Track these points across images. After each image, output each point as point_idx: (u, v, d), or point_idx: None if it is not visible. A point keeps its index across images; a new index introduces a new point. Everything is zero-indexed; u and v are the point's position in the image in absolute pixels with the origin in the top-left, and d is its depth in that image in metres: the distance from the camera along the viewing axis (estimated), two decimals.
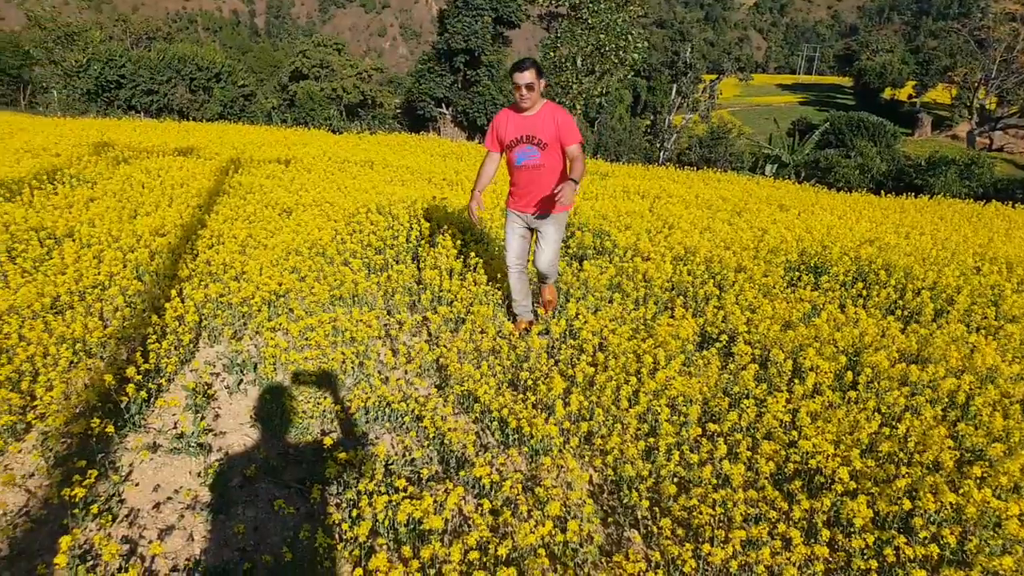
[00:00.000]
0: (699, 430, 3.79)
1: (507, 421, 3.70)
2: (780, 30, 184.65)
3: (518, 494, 3.12)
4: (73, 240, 6.67)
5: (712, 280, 6.36)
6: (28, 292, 5.19)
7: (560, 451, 3.51)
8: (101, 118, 29.46)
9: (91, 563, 2.81)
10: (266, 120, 39.56)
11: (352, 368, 4.41)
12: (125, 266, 5.97)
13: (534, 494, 3.14)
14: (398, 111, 45.04)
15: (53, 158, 11.62)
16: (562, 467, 3.43)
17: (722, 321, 5.45)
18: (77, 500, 3.07)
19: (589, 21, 30.48)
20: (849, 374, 4.38)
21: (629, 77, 35.87)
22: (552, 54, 31.76)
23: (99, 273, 5.71)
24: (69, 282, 5.47)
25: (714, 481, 3.35)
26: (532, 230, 5.00)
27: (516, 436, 3.68)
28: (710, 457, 3.59)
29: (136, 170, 10.73)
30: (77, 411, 3.83)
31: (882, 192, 16.18)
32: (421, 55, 44.49)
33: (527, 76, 4.49)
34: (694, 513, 3.05)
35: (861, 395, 4.18)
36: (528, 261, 5.21)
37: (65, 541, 2.65)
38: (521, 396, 4.02)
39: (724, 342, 5.07)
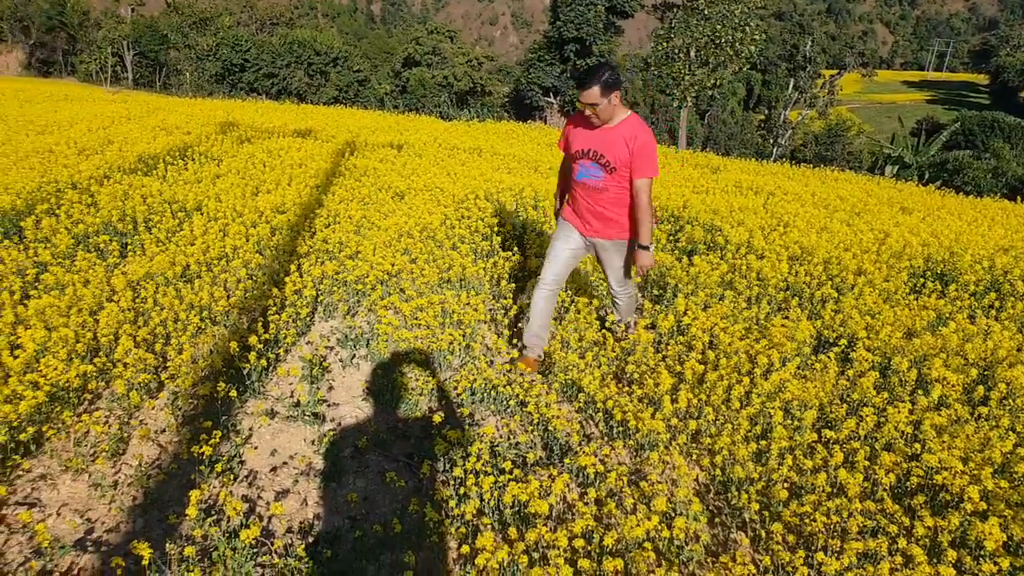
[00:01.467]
0: (814, 436, 3.64)
1: (612, 413, 3.66)
2: (909, 24, 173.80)
3: (623, 487, 3.09)
4: (201, 213, 7.08)
5: (830, 282, 6.09)
6: (162, 260, 5.56)
7: (667, 447, 3.44)
8: (226, 99, 31.16)
9: (215, 517, 2.97)
10: (378, 105, 40.76)
11: (459, 350, 4.49)
12: (248, 240, 6.28)
13: (639, 488, 3.10)
14: (506, 99, 45.37)
15: (184, 136, 12.37)
16: (668, 463, 3.37)
17: (840, 325, 5.21)
18: (204, 458, 3.27)
19: (705, 11, 29.66)
20: (980, 389, 4.10)
21: (744, 70, 34.72)
22: (664, 44, 31.12)
23: (224, 246, 6.04)
24: (197, 253, 5.81)
25: (828, 489, 3.21)
26: (587, 250, 4.35)
27: (621, 429, 3.64)
28: (825, 464, 3.44)
29: (258, 149, 11.27)
30: (203, 374, 4.07)
31: (1018, 198, 14.96)
32: (532, 44, 44.58)
33: (590, 96, 3.67)
34: (807, 520, 2.94)
35: (993, 411, 3.89)
36: (563, 287, 4.73)
37: (195, 495, 2.82)
38: (627, 389, 3.98)
39: (843, 347, 4.84)
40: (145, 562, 2.47)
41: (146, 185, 7.88)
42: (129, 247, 6.17)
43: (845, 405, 3.99)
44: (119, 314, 4.50)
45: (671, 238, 7.00)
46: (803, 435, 3.64)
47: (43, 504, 3.08)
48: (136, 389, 3.83)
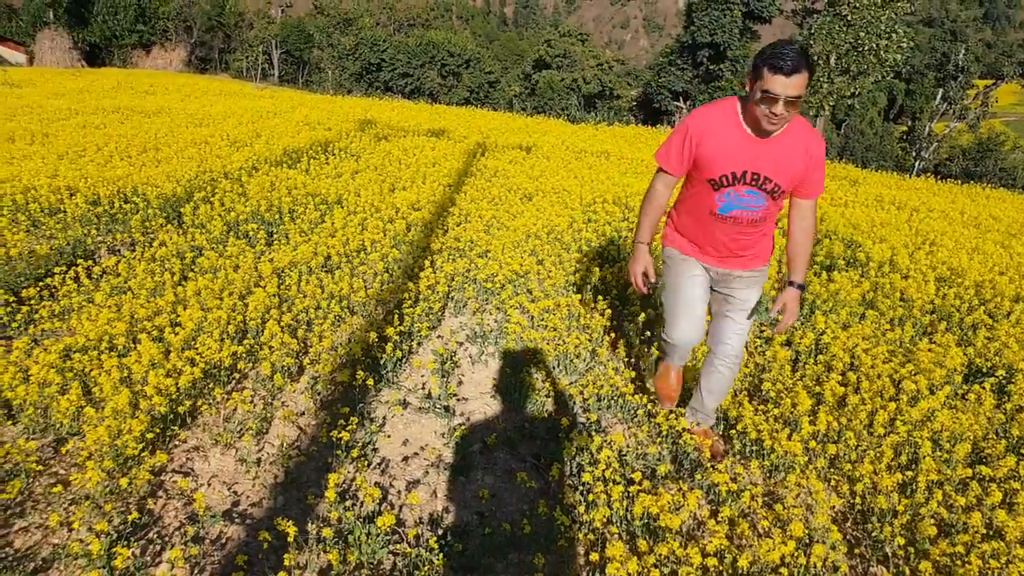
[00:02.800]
0: (967, 471, 3.36)
1: (745, 431, 3.53)
2: None
3: (757, 508, 2.97)
4: (342, 207, 7.41)
5: (983, 307, 5.62)
6: (306, 250, 5.86)
7: (804, 471, 3.27)
8: (364, 97, 32.55)
9: (349, 502, 3.09)
10: (507, 107, 41.35)
11: (585, 354, 4.46)
12: (385, 235, 6.51)
13: (773, 511, 2.96)
14: (634, 103, 44.91)
15: (326, 132, 13.01)
16: (805, 488, 3.20)
17: (995, 355, 4.79)
18: (341, 443, 3.41)
19: (849, 17, 28.10)
20: None
21: (886, 79, 32.61)
22: None
23: (363, 239, 6.29)
24: (338, 245, 6.08)
25: (984, 530, 2.95)
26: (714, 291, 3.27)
27: (755, 448, 3.50)
28: (979, 503, 3.17)
29: (394, 147, 11.68)
30: (342, 362, 4.25)
31: None
32: (663, 48, 43.87)
33: (797, 85, 2.53)
34: (958, 562, 2.71)
35: None
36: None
37: (333, 478, 2.94)
38: (762, 407, 3.82)
39: (999, 378, 4.45)
40: (290, 539, 2.60)
41: (291, 178, 8.34)
42: (275, 236, 6.54)
43: (1004, 441, 3.66)
44: (266, 299, 4.78)
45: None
46: (955, 469, 3.37)
47: (195, 474, 3.31)
48: (280, 372, 4.06)
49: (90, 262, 5.39)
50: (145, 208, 6.71)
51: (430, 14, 73.50)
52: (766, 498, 3.20)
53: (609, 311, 4.86)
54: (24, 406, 3.36)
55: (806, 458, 3.37)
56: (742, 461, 3.51)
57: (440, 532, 2.95)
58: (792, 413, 3.65)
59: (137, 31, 46.79)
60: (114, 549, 2.56)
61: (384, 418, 3.86)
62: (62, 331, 4.32)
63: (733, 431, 3.65)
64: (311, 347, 4.42)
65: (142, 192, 7.09)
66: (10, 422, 3.43)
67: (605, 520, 2.82)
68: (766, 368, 4.29)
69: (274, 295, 4.97)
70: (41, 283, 4.89)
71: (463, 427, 3.75)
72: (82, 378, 3.66)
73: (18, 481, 2.84)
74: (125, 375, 3.68)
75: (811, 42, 29.31)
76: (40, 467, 3.08)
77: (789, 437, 3.40)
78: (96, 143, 9.77)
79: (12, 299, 4.60)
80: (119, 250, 6.04)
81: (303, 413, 3.85)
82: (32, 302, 4.55)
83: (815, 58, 29.34)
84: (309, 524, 2.86)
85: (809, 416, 3.62)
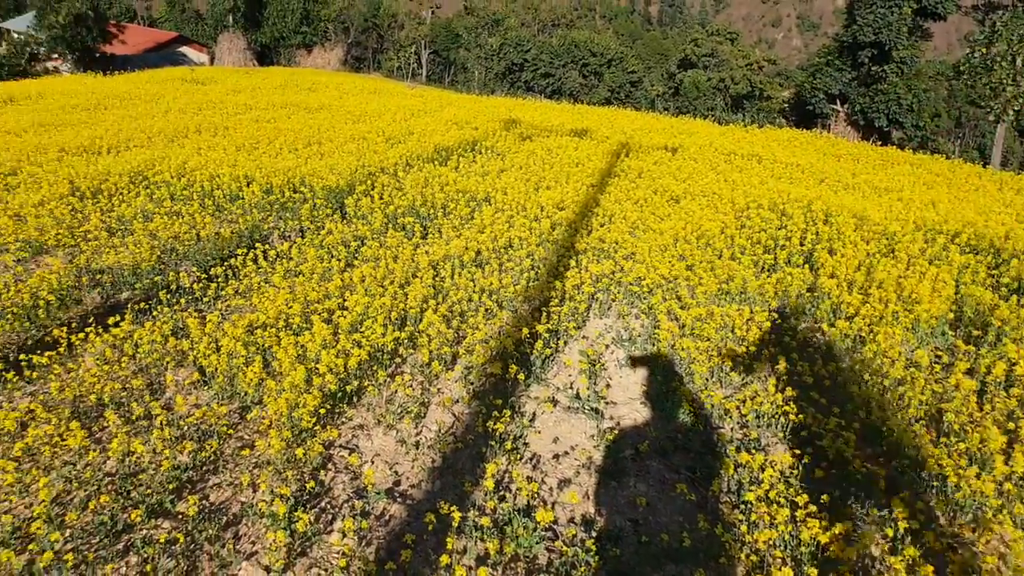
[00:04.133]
0: None
1: (921, 462, 3.28)
2: None
3: (942, 550, 2.74)
4: (489, 204, 7.56)
5: None
6: (458, 245, 6.03)
7: (996, 515, 3.00)
8: (507, 96, 33.15)
9: (502, 493, 3.15)
10: (649, 107, 40.75)
11: (742, 368, 4.30)
12: (531, 232, 6.59)
13: (958, 554, 2.73)
14: (785, 105, 42.95)
15: (472, 131, 13.32)
16: (997, 534, 2.93)
17: None
18: (496, 434, 3.48)
19: None
20: None
21: None
22: (983, 51, 27.31)
23: (510, 236, 6.39)
24: (487, 240, 6.21)
25: None
26: None
27: (938, 483, 3.23)
28: None
29: (538, 147, 11.78)
30: (493, 354, 4.34)
31: None
32: (820, 48, 41.62)
33: None
34: None
35: None
36: None
37: (491, 468, 3.01)
38: (943, 440, 3.53)
39: None
40: (455, 524, 2.68)
41: (442, 174, 8.61)
42: (429, 229, 6.77)
43: None
44: (424, 289, 4.96)
45: (991, 272, 6.11)
46: None
47: (360, 451, 3.48)
48: (436, 359, 4.20)
49: (265, 246, 5.81)
50: (312, 198, 7.14)
51: (573, 14, 73.71)
52: (951, 541, 2.95)
53: (768, 324, 4.67)
54: (216, 374, 3.67)
55: (999, 501, 3.08)
56: (919, 496, 3.26)
57: (593, 534, 2.94)
58: (980, 449, 3.35)
59: (301, 32, 50.08)
60: (295, 513, 2.75)
61: (534, 414, 3.90)
62: (245, 308, 4.68)
63: (905, 461, 3.40)
64: (464, 338, 4.54)
65: (309, 183, 7.56)
66: (205, 387, 3.76)
67: (770, 543, 2.71)
68: (946, 397, 3.97)
69: (430, 286, 5.15)
70: (225, 263, 5.32)
71: (613, 431, 3.72)
72: (263, 352, 3.95)
73: (213, 441, 3.10)
74: (300, 352, 3.94)
75: (993, 40, 26.87)
76: (230, 431, 3.35)
77: (978, 476, 3.13)
78: (268, 136, 10.51)
79: (203, 275, 5.04)
80: (290, 236, 6.47)
81: (457, 401, 3.96)
82: (219, 280, 4.96)
83: (996, 58, 26.90)
84: (469, 511, 2.93)
85: (1003, 455, 3.31)
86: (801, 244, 6.52)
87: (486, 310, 4.97)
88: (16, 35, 32.59)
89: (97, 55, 32.57)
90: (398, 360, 4.33)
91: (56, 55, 32.40)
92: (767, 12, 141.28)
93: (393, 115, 15.08)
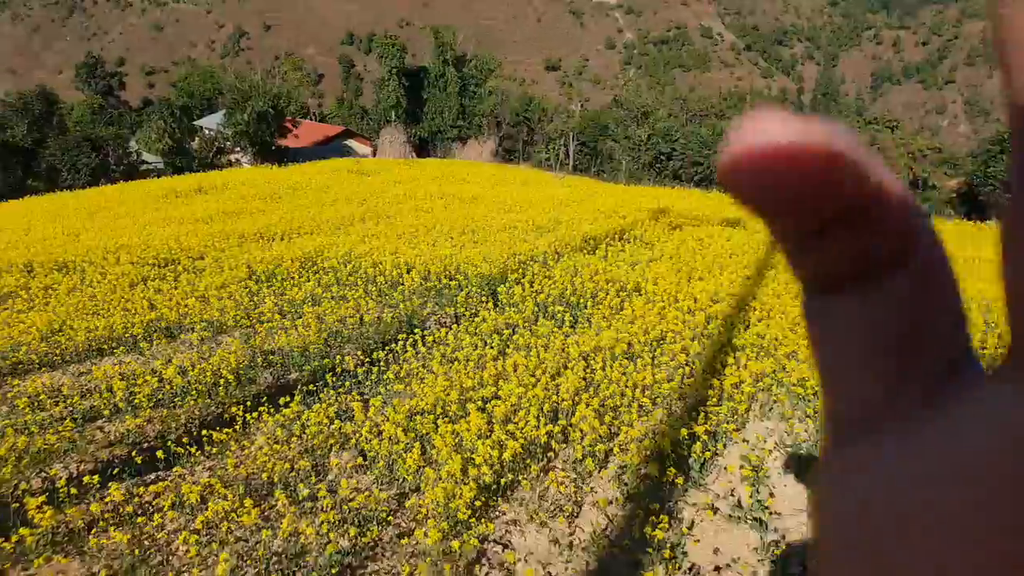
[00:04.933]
0: None
1: None
2: None
3: None
4: (640, 294, 7.50)
5: None
6: (608, 336, 5.99)
7: None
8: (655, 186, 33.35)
9: None
10: None
11: None
12: (684, 325, 6.43)
13: None
14: (953, 195, 40.30)
15: (620, 220, 13.43)
16: None
17: None
18: (654, 540, 3.32)
19: None
20: None
21: None
22: None
23: (663, 328, 6.27)
24: (638, 332, 6.13)
25: None
26: None
27: None
28: None
29: (688, 236, 11.66)
30: (647, 454, 4.20)
31: None
32: (993, 134, 39.02)
33: None
34: None
35: None
36: None
37: None
38: None
39: None
40: None
41: (591, 264, 8.68)
42: (579, 319, 6.79)
43: None
44: (576, 381, 4.93)
45: None
46: None
47: (513, 547, 3.43)
48: (590, 456, 4.12)
49: (424, 331, 6.05)
50: (467, 285, 7.41)
51: (723, 103, 73.80)
52: None
53: None
54: (377, 458, 3.79)
55: None
56: None
57: None
58: None
59: (457, 126, 53.58)
60: None
61: (692, 521, 3.70)
62: (405, 393, 4.85)
63: None
64: (618, 434, 4.44)
65: (464, 270, 7.86)
66: (366, 471, 3.89)
67: None
68: None
69: (582, 378, 5.12)
70: (387, 347, 5.58)
71: (779, 544, 3.45)
72: (421, 439, 4.05)
73: (374, 527, 3.18)
74: (456, 441, 4.00)
75: None
76: (389, 517, 3.42)
77: None
78: (426, 225, 11.12)
79: (366, 359, 5.31)
80: (446, 322, 6.71)
81: (611, 502, 3.84)
82: (381, 364, 5.19)
83: None
84: None
85: None
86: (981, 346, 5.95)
87: (639, 406, 4.85)
88: (208, 131, 37.03)
89: (273, 148, 36.20)
90: (550, 455, 4.28)
91: (239, 148, 36.37)
92: (930, 98, 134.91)
93: (542, 205, 15.53)
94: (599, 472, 4.10)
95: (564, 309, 6.91)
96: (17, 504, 3.40)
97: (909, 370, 0.19)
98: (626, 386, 5.06)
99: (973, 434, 0.16)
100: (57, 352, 5.56)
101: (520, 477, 3.93)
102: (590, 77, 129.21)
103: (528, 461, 4.08)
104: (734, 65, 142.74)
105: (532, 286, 7.51)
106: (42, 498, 3.33)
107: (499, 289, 7.37)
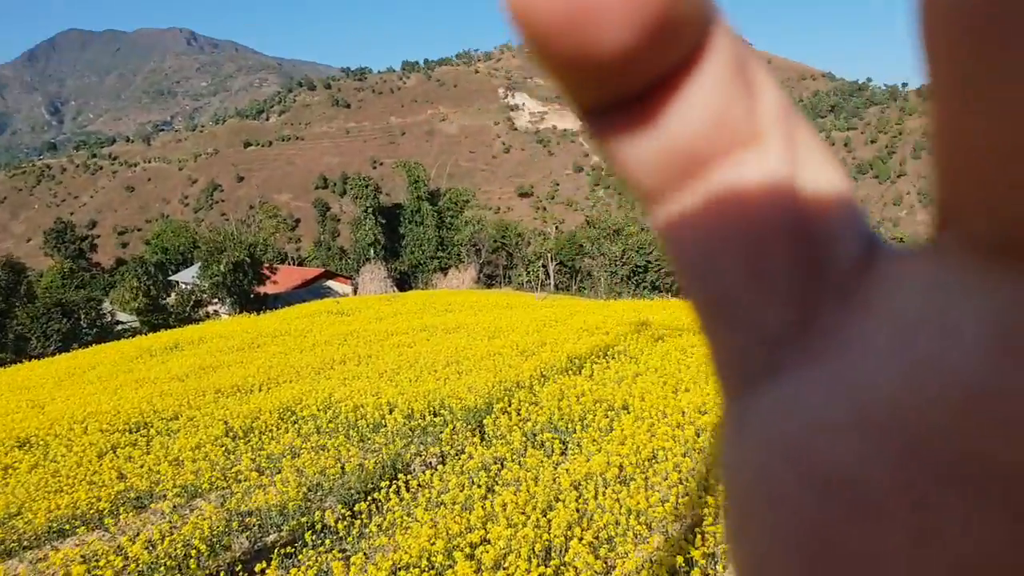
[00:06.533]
0: None
1: None
2: None
3: None
4: (628, 412, 7.37)
5: None
6: (599, 461, 5.81)
7: None
8: (634, 299, 33.76)
9: None
10: None
11: None
12: (675, 441, 6.28)
13: None
14: None
15: (603, 336, 13.43)
16: None
17: None
18: None
19: None
20: None
21: None
22: None
23: (653, 446, 6.10)
24: (629, 454, 5.95)
25: None
26: None
27: None
28: None
29: (671, 347, 11.64)
30: None
31: None
32: None
33: None
34: None
35: None
36: None
37: None
38: None
39: None
40: None
41: (577, 384, 8.58)
42: (568, 444, 6.61)
43: None
44: (567, 515, 4.72)
45: None
46: None
47: None
48: None
49: (408, 476, 5.84)
50: (452, 420, 7.24)
51: None
52: None
53: None
54: None
55: None
56: None
57: None
58: None
59: (437, 257, 54.71)
60: None
61: None
62: (388, 546, 4.60)
63: None
64: (614, 568, 4.20)
65: (448, 404, 7.72)
66: None
67: None
68: None
69: (574, 510, 4.90)
70: (369, 497, 5.36)
71: None
72: None
73: None
74: None
75: None
76: None
77: None
78: (408, 360, 11.04)
79: (347, 513, 5.07)
80: (431, 463, 6.50)
81: None
82: (363, 516, 4.96)
83: None
84: None
85: None
86: None
87: (635, 535, 4.63)
88: (184, 285, 37.33)
89: (252, 296, 36.42)
90: None
91: (216, 299, 36.54)
92: (886, 192, 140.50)
93: (526, 328, 15.56)
94: None
95: (553, 435, 6.74)
96: None
97: (802, 261, 0.14)
98: (620, 513, 4.85)
99: (888, 356, 0.12)
100: (14, 538, 5.25)
101: None
102: (563, 200, 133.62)
103: None
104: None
105: (519, 414, 7.36)
106: None
107: (485, 421, 7.21)
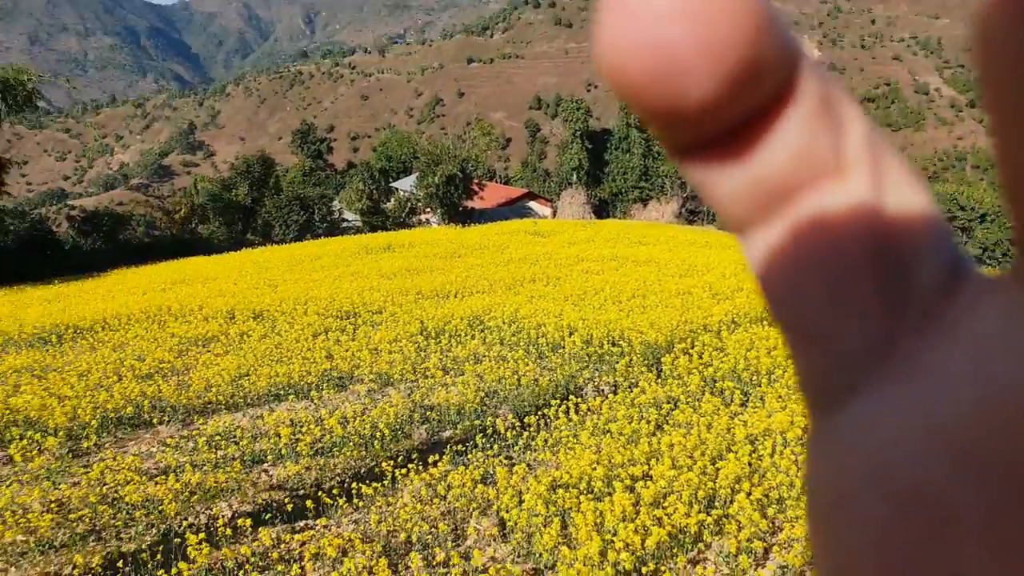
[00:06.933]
0: None
1: None
2: None
3: None
4: None
5: None
6: (782, 419, 5.48)
7: None
8: None
9: None
10: None
11: None
12: None
13: None
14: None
15: None
16: None
17: None
18: None
19: None
20: None
21: None
22: None
23: None
24: None
25: None
26: None
27: None
28: None
29: None
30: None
31: None
32: None
33: None
34: None
35: None
36: None
37: None
38: None
39: None
40: None
41: (771, 337, 8.09)
42: (751, 397, 6.31)
43: None
44: (737, 468, 4.53)
45: None
46: None
47: None
48: (745, 553, 3.72)
49: (579, 399, 5.89)
50: (630, 353, 7.17)
51: (939, 164, 67.86)
52: None
53: None
54: (515, 529, 3.67)
55: None
56: None
57: None
58: None
59: (639, 187, 53.60)
60: None
61: None
62: (551, 462, 4.71)
63: None
64: (781, 530, 3.99)
65: (628, 337, 7.63)
66: (503, 542, 3.78)
67: None
68: None
69: (746, 463, 4.69)
70: (540, 412, 5.49)
71: None
72: (563, 514, 3.88)
73: None
74: (598, 520, 3.78)
75: None
76: None
77: None
78: (594, 287, 11.03)
79: (517, 423, 5.24)
80: (603, 390, 6.51)
81: None
82: (531, 429, 5.10)
83: None
84: None
85: None
86: None
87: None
88: (402, 192, 39.84)
89: (459, 208, 38.19)
90: (700, 546, 3.93)
91: (428, 209, 38.74)
92: None
93: (723, 269, 14.89)
94: (755, 570, 3.69)
95: (735, 386, 6.45)
96: (179, 540, 3.65)
97: (886, 286, 0.15)
98: (796, 476, 4.57)
99: (965, 380, 0.13)
100: (241, 395, 6.04)
101: (664, 568, 3.62)
102: None
103: (675, 550, 3.76)
104: (953, 123, 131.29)
105: (701, 358, 7.12)
106: (202, 535, 3.54)
107: (664, 359, 7.06)
